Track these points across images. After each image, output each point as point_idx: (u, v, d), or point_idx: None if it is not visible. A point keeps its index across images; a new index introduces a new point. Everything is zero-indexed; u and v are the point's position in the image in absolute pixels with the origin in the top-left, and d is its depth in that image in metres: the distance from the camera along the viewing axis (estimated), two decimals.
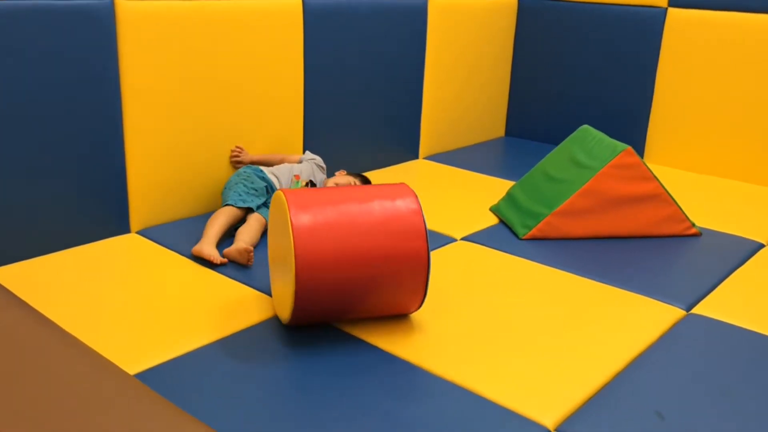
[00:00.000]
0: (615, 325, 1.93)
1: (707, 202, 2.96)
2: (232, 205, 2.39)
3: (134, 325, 1.85)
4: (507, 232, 2.57)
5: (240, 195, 2.43)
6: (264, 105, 2.74)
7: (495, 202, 2.80)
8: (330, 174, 2.86)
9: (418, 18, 3.28)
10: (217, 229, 2.29)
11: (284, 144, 2.85)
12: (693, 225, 2.56)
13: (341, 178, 2.71)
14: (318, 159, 2.77)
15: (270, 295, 1.99)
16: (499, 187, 2.97)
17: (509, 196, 2.75)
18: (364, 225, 1.71)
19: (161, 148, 2.44)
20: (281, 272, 1.79)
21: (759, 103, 3.17)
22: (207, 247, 2.19)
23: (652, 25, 3.38)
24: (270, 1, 2.65)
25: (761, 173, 3.22)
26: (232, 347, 1.74)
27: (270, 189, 2.53)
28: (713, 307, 2.05)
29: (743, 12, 3.14)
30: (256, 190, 2.47)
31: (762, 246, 2.53)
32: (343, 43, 2.97)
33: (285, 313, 1.76)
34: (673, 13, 3.32)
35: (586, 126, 2.75)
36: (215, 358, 1.69)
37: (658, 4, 3.36)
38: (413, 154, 3.51)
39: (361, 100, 3.14)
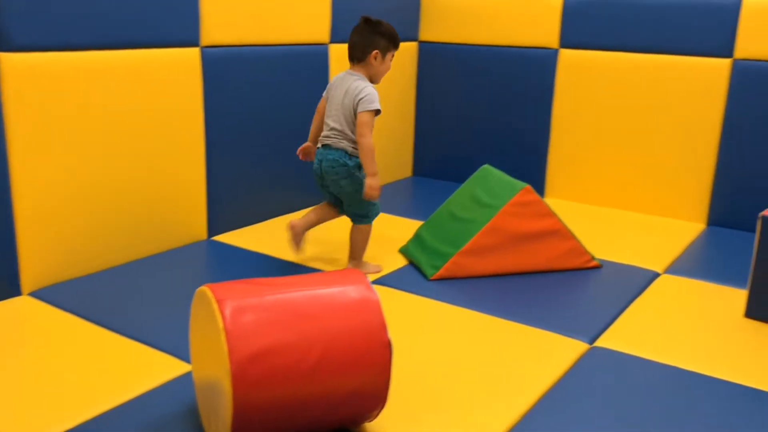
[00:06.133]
0: (522, 363, 1.96)
1: (606, 233, 3.07)
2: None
3: (29, 396, 1.74)
4: (416, 274, 2.58)
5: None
6: (163, 155, 2.67)
7: (404, 243, 2.82)
8: None
9: (320, 63, 3.30)
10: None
11: (185, 194, 2.78)
12: (593, 258, 2.65)
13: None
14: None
15: (175, 355, 1.92)
16: (408, 228, 2.99)
17: (417, 237, 2.77)
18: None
19: (56, 202, 2.34)
20: (208, 378, 1.53)
21: (648, 136, 3.34)
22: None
23: (546, 66, 3.52)
24: (167, 51, 2.61)
25: (654, 204, 3.38)
26: (136, 412, 1.66)
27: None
28: (615, 339, 2.11)
29: (626, 52, 3.32)
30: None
31: (658, 275, 2.63)
32: (245, 90, 2.95)
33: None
34: (564, 53, 3.48)
35: (486, 166, 2.82)
36: (118, 425, 1.61)
37: (550, 45, 3.51)
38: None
39: (266, 147, 3.11)
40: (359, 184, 2.43)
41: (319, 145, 2.49)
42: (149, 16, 2.52)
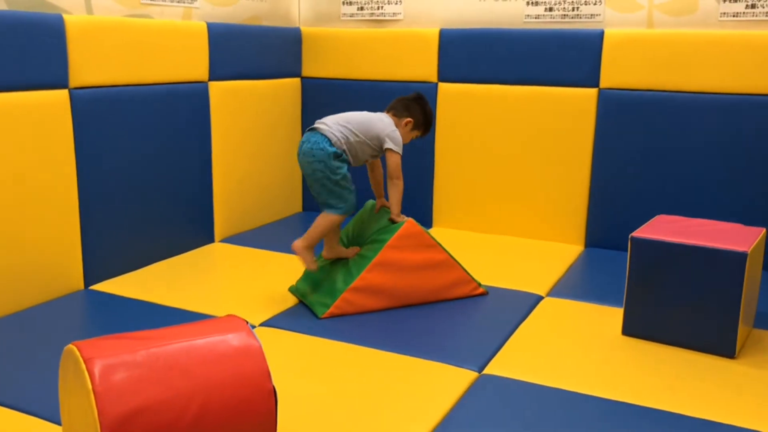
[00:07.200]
0: (413, 396, 1.95)
1: (491, 260, 3.15)
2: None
3: None
4: (307, 313, 2.54)
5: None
6: (32, 203, 2.52)
7: (294, 282, 2.78)
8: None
9: (200, 101, 3.24)
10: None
11: (58, 242, 2.63)
12: (479, 285, 2.70)
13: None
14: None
15: (45, 419, 1.79)
16: (298, 266, 2.95)
17: (307, 275, 2.74)
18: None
19: None
20: None
21: (526, 164, 3.47)
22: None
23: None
24: (32, 94, 2.48)
25: (535, 228, 3.50)
26: None
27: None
28: (503, 365, 2.15)
29: (501, 84, 3.45)
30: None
31: (542, 298, 2.72)
32: (120, 131, 2.84)
33: None
34: (443, 87, 3.57)
35: (372, 201, 2.84)
36: None
37: (429, 79, 3.60)
38: (209, 238, 3.41)
39: (144, 189, 3.00)
40: (331, 171, 2.46)
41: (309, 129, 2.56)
42: (9, 56, 2.39)
